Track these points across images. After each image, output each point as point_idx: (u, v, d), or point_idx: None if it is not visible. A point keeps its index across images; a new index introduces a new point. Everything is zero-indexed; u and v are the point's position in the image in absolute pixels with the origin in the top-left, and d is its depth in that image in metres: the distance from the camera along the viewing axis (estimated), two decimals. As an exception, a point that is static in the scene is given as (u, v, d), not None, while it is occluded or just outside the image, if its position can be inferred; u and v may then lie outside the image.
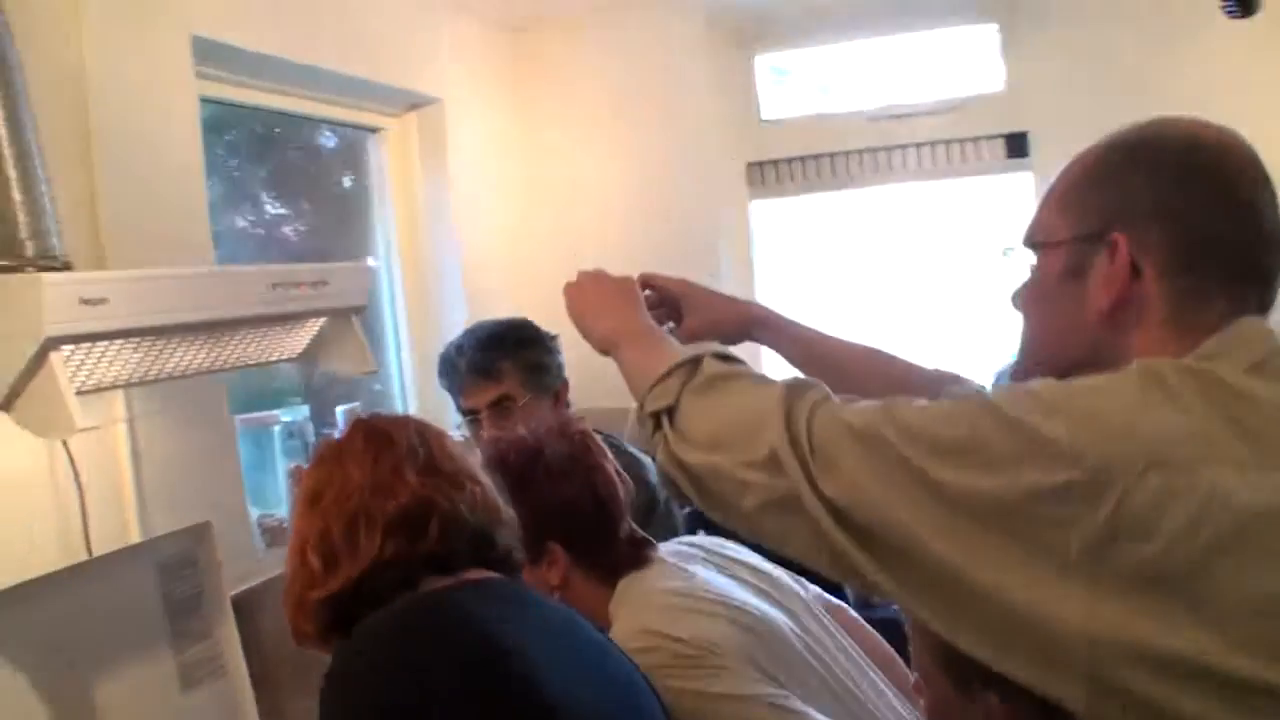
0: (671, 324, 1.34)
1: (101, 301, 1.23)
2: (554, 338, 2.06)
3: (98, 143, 1.77)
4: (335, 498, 1.14)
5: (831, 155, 3.23)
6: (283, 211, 2.69)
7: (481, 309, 2.99)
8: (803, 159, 3.27)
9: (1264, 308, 0.91)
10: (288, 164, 2.73)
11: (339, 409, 2.53)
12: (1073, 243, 0.95)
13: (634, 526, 1.51)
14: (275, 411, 2.36)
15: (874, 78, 3.30)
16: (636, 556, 1.47)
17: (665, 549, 1.51)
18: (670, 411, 0.99)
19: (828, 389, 0.95)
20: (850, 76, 3.34)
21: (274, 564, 2.21)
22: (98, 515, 1.74)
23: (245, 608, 2.03)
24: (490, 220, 3.13)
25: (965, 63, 3.18)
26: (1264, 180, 0.92)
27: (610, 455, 1.51)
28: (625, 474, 1.52)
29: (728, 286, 3.28)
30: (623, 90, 3.28)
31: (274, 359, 1.65)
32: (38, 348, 1.18)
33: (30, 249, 1.55)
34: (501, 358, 1.96)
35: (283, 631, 2.15)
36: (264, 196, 2.64)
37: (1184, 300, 0.90)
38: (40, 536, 1.67)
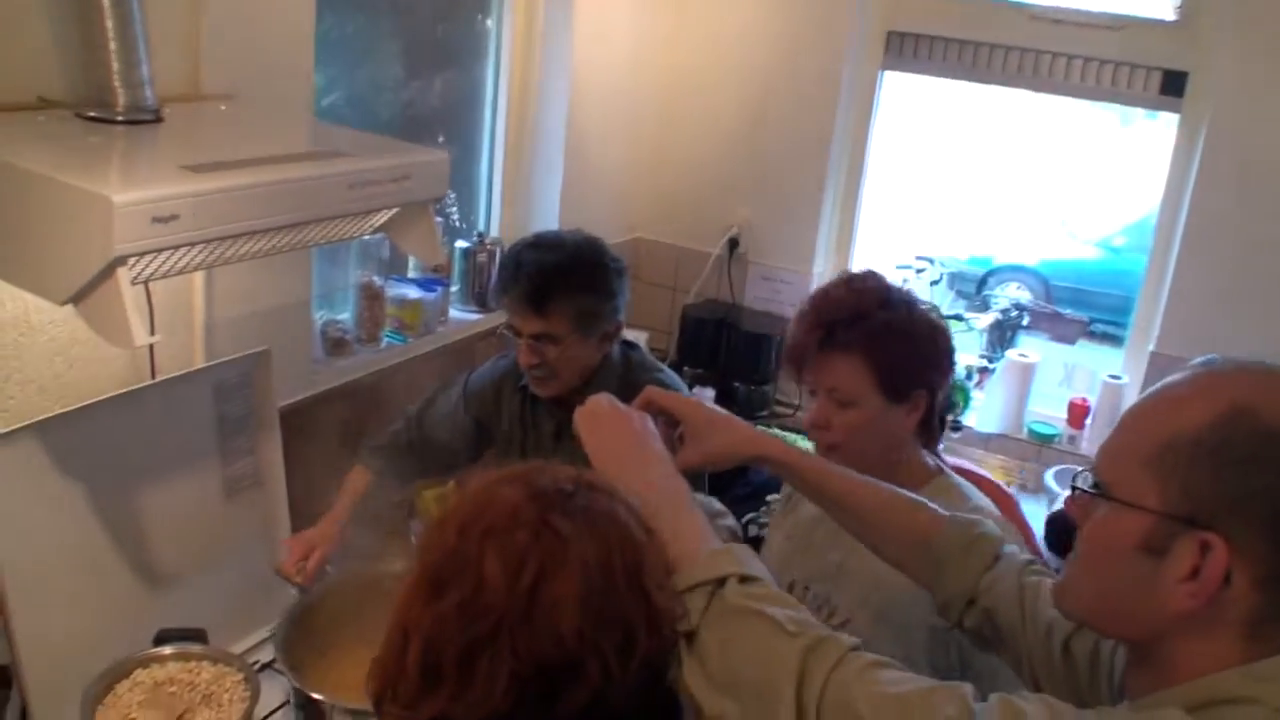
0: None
1: (173, 218, 1.25)
2: (620, 273, 1.95)
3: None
4: (461, 603, 0.89)
5: (976, 44, 3.02)
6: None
7: (579, 142, 2.94)
8: (946, 40, 3.06)
9: None
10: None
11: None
12: (1160, 518, 0.85)
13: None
14: (353, 229, 2.38)
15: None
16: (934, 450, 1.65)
17: None
18: (689, 635, 0.94)
19: (849, 644, 0.90)
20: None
21: (330, 376, 2.33)
22: (167, 337, 1.83)
23: (294, 419, 2.15)
24: (610, 51, 3.02)
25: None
26: None
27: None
28: None
29: (839, 154, 3.18)
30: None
31: (346, 238, 1.67)
32: (105, 264, 1.21)
33: (122, 99, 1.56)
34: (557, 298, 1.87)
35: (324, 443, 2.27)
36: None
37: (1267, 614, 0.84)
38: (111, 359, 1.77)
